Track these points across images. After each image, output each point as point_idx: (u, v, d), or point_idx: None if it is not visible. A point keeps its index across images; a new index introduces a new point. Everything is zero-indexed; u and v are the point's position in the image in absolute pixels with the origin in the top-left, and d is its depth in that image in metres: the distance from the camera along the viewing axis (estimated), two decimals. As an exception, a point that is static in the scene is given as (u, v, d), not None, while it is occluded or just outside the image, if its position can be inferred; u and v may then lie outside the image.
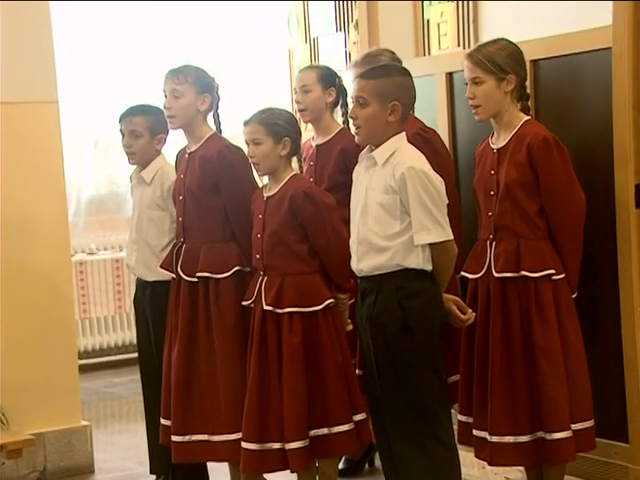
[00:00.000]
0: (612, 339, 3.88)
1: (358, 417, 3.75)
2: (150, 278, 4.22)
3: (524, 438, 3.60)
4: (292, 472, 3.76)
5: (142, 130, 4.21)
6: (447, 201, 3.51)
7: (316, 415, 3.69)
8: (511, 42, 3.67)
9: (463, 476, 3.69)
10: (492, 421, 3.62)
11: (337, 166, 4.25)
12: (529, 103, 3.72)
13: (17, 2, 4.65)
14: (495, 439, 3.61)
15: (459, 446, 3.66)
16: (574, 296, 3.68)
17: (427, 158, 3.53)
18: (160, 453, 4.23)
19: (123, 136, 4.26)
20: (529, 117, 3.68)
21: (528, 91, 3.72)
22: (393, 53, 4.23)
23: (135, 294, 4.37)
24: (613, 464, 3.92)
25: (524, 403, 3.60)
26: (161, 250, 4.17)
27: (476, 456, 3.75)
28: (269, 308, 3.71)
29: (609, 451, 3.90)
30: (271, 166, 3.77)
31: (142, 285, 4.30)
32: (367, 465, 4.61)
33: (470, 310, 3.61)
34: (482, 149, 3.78)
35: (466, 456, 3.88)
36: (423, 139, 3.95)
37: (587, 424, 3.63)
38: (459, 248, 3.65)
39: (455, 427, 3.73)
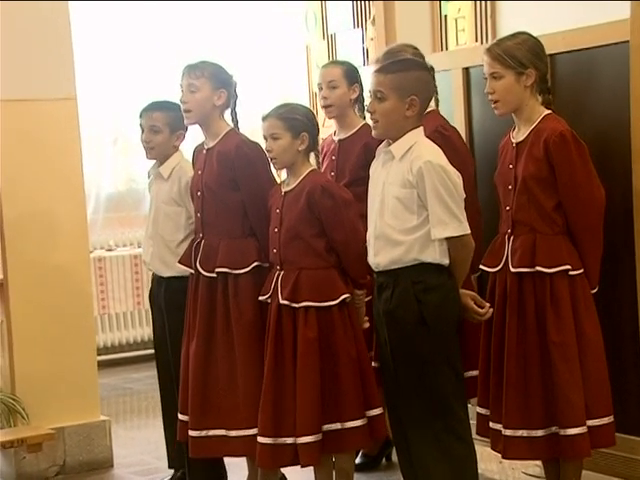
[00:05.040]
0: (631, 334, 3.87)
1: (373, 412, 3.75)
2: (166, 274, 4.23)
3: (538, 432, 3.59)
4: (302, 467, 3.76)
5: (162, 126, 4.22)
6: (464, 195, 3.50)
7: (330, 410, 3.70)
8: (532, 36, 3.65)
9: (481, 471, 3.70)
10: (506, 415, 3.62)
11: (359, 161, 4.25)
12: (550, 96, 3.71)
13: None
14: (509, 432, 3.61)
15: (477, 441, 3.66)
16: (594, 291, 3.67)
17: (446, 155, 3.53)
18: (178, 447, 4.24)
19: (142, 131, 4.27)
20: (549, 111, 3.66)
21: (549, 85, 3.71)
22: (416, 49, 4.21)
23: (151, 290, 4.38)
24: (631, 459, 3.91)
25: (538, 398, 3.60)
26: (177, 245, 4.18)
27: (492, 448, 3.75)
28: (285, 302, 3.72)
29: (627, 446, 3.89)
30: (288, 161, 3.78)
31: (158, 281, 4.31)
32: (384, 460, 4.62)
33: (488, 305, 3.61)
34: (504, 143, 3.78)
35: (483, 451, 3.88)
36: (442, 136, 3.95)
37: (605, 420, 3.61)
38: (478, 246, 3.65)
39: (474, 420, 3.73)
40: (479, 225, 3.97)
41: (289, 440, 3.71)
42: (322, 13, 6.40)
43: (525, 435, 3.60)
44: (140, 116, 4.28)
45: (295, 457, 3.73)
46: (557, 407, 3.56)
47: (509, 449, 3.64)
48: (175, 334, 4.17)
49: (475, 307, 3.58)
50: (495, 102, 3.65)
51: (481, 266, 3.78)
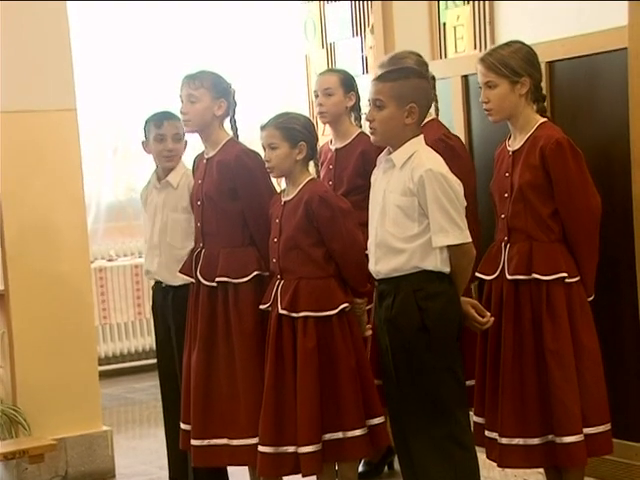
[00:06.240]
0: (632, 340, 3.87)
1: (375, 421, 3.74)
2: (175, 283, 4.20)
3: (534, 441, 3.59)
4: (304, 476, 3.76)
5: (182, 133, 4.22)
6: (465, 203, 3.51)
7: (330, 419, 3.69)
8: (525, 44, 3.67)
9: (483, 478, 3.69)
10: (502, 423, 3.62)
11: (356, 169, 4.26)
12: (545, 104, 3.72)
13: (35, 10, 4.69)
14: (505, 441, 3.61)
15: (479, 448, 3.66)
16: (590, 299, 3.67)
17: (449, 164, 3.53)
18: (179, 458, 4.24)
19: (161, 140, 4.22)
20: (545, 119, 3.67)
21: (544, 92, 3.72)
22: (419, 56, 4.23)
23: (153, 299, 4.37)
24: (633, 465, 3.90)
25: (534, 406, 3.59)
26: (187, 253, 4.16)
27: (487, 457, 3.74)
28: (284, 312, 3.72)
29: (629, 452, 3.89)
30: (286, 170, 3.78)
31: (163, 290, 4.29)
32: (386, 468, 4.62)
33: (489, 314, 3.60)
34: (500, 151, 3.79)
35: (486, 458, 3.88)
36: (446, 145, 3.96)
37: (602, 428, 3.60)
38: (476, 255, 3.65)
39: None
40: (478, 235, 3.97)
41: (290, 449, 3.71)
42: (321, 22, 6.41)
43: (521, 443, 3.59)
44: (159, 126, 4.21)
45: (296, 466, 3.73)
46: (553, 415, 3.56)
47: (505, 457, 3.64)
48: (183, 343, 4.16)
49: (476, 315, 3.57)
50: (489, 110, 3.66)
51: (477, 274, 3.77)
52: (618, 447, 3.74)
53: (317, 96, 4.39)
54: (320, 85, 4.38)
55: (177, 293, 4.21)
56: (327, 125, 4.56)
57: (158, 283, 4.33)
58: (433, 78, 4.08)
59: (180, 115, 4.04)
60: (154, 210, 4.31)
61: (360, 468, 4.40)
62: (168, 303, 4.26)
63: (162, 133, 4.23)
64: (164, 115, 4.25)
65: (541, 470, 3.94)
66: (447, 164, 3.51)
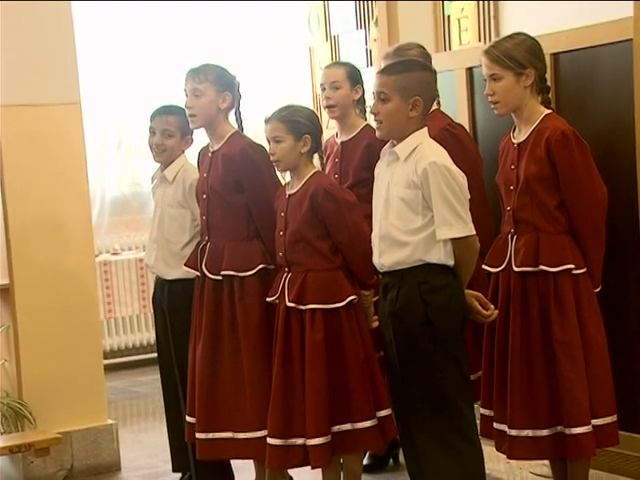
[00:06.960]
0: (638, 332, 3.86)
1: (382, 413, 3.75)
2: (169, 276, 4.23)
3: (543, 432, 3.59)
4: (313, 468, 3.76)
5: (175, 130, 4.22)
6: (469, 196, 3.50)
7: (339, 411, 3.70)
8: (529, 36, 3.66)
9: (488, 471, 3.70)
10: (511, 415, 3.62)
11: (362, 162, 4.26)
12: (550, 96, 3.71)
13: (39, 4, 4.69)
14: (514, 432, 3.61)
15: (484, 441, 3.66)
16: (597, 290, 3.67)
17: (455, 154, 3.53)
18: (182, 450, 4.24)
19: (153, 134, 4.25)
20: (550, 111, 3.67)
21: (548, 84, 3.71)
22: (423, 48, 4.25)
23: (154, 293, 4.38)
24: (638, 457, 3.90)
25: (543, 397, 3.60)
26: (182, 248, 4.19)
27: (496, 449, 3.74)
28: (292, 304, 3.72)
29: (635, 445, 3.89)
30: (291, 163, 3.78)
31: (161, 283, 4.32)
32: (391, 461, 4.62)
33: (492, 307, 3.60)
34: (504, 143, 3.78)
35: (491, 451, 3.88)
36: (451, 135, 3.96)
37: (609, 419, 3.61)
38: (490, 245, 3.65)
39: (478, 421, 3.72)
40: (491, 225, 3.96)
41: (299, 441, 3.72)
42: (325, 14, 6.41)
43: (530, 435, 3.60)
44: (152, 119, 4.24)
45: (305, 458, 3.73)
46: (562, 406, 3.56)
47: (514, 449, 3.64)
48: (178, 337, 4.18)
49: (480, 308, 3.57)
50: (495, 103, 3.66)
51: (484, 266, 3.77)
52: (624, 439, 3.74)
53: (324, 89, 4.38)
54: (327, 78, 4.36)
55: (172, 287, 4.22)
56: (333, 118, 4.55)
57: (158, 276, 4.34)
58: (434, 72, 4.07)
59: (185, 109, 4.03)
60: (156, 204, 4.34)
61: (365, 461, 4.40)
62: (164, 296, 4.28)
63: (152, 127, 4.25)
64: (160, 109, 4.26)
65: (546, 462, 3.95)
66: (452, 154, 3.51)
